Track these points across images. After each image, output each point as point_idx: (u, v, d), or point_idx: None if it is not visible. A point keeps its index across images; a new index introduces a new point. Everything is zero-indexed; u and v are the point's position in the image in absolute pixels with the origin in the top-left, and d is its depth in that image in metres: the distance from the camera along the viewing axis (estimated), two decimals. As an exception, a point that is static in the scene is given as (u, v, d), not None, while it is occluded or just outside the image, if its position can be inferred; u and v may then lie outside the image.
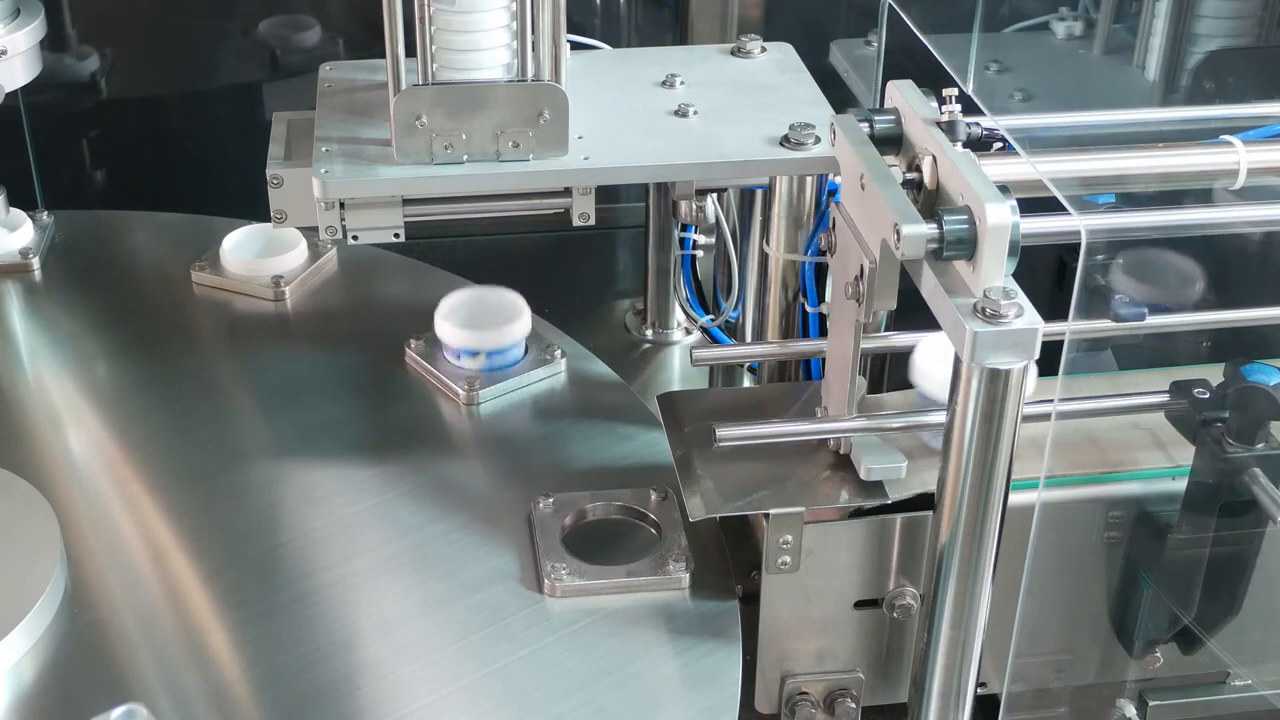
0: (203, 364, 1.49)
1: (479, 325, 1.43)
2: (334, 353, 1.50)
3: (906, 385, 1.29)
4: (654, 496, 1.26)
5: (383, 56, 1.23)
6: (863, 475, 1.16)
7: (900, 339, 1.28)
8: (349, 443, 1.37)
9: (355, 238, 1.27)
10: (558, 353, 1.46)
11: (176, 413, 1.41)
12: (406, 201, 1.26)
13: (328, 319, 1.56)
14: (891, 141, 1.12)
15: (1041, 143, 1.21)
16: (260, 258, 1.60)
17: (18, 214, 1.65)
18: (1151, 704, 1.27)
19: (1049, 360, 0.98)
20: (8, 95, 1.51)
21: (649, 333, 1.90)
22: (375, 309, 1.58)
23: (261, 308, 1.57)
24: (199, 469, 1.33)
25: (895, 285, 1.05)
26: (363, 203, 1.26)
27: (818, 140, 1.27)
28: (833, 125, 1.12)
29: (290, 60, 2.04)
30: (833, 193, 1.36)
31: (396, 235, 1.28)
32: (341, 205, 1.25)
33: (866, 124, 1.13)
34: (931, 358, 1.21)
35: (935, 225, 0.97)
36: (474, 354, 1.43)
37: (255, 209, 1.79)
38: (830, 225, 1.14)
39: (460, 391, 1.41)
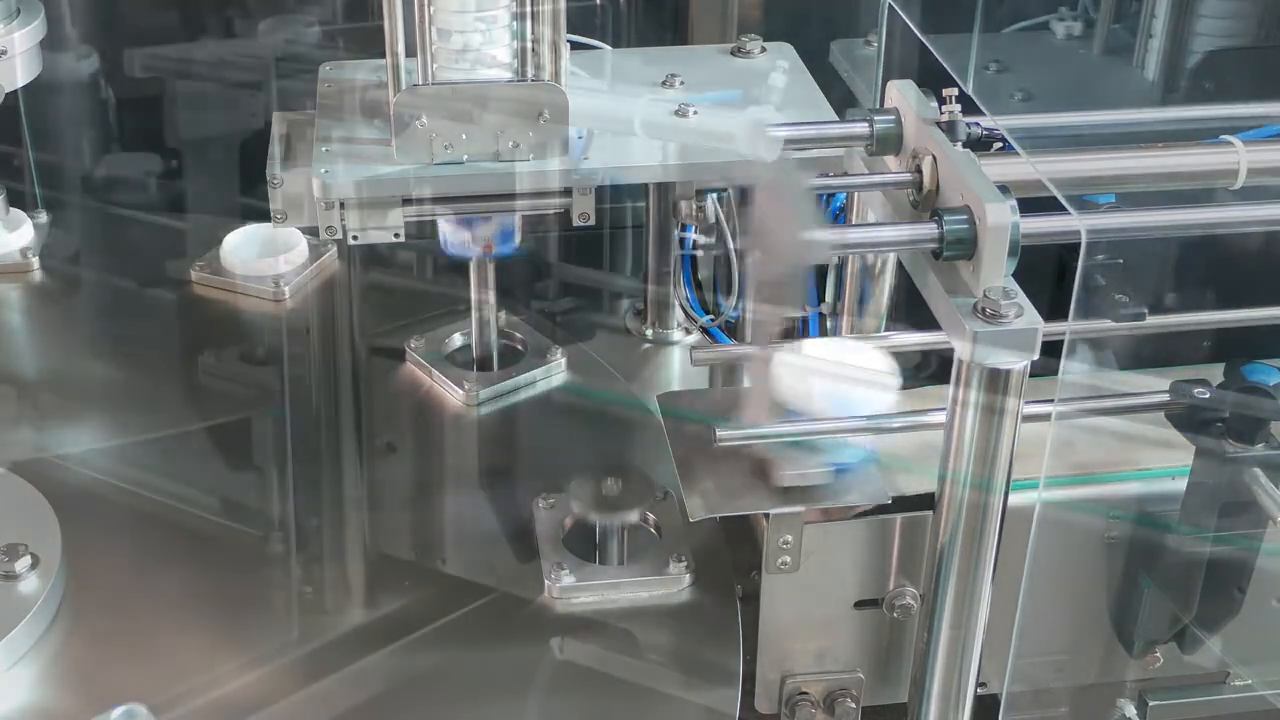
0: (203, 364, 1.49)
1: None
2: (334, 352, 1.50)
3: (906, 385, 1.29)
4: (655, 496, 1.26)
5: (382, 56, 1.23)
6: (777, 481, 1.13)
7: (900, 339, 1.28)
8: (350, 442, 1.37)
9: (355, 238, 1.27)
10: (558, 352, 1.46)
11: (176, 412, 1.41)
12: (406, 201, 1.26)
13: (327, 319, 1.56)
14: (891, 141, 1.12)
15: (1041, 143, 1.21)
16: (260, 257, 1.60)
17: (18, 214, 1.65)
18: (1151, 704, 1.27)
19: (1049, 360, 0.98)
20: (8, 95, 1.50)
21: (649, 333, 1.90)
22: (375, 309, 1.58)
23: (261, 307, 1.57)
24: (199, 469, 1.33)
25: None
26: (364, 203, 1.26)
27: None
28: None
29: (290, 60, 2.04)
30: (832, 194, 1.36)
31: (396, 235, 1.28)
32: (341, 205, 1.25)
33: (866, 123, 1.13)
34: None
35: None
36: None
37: (255, 209, 1.79)
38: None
39: (460, 391, 1.41)
